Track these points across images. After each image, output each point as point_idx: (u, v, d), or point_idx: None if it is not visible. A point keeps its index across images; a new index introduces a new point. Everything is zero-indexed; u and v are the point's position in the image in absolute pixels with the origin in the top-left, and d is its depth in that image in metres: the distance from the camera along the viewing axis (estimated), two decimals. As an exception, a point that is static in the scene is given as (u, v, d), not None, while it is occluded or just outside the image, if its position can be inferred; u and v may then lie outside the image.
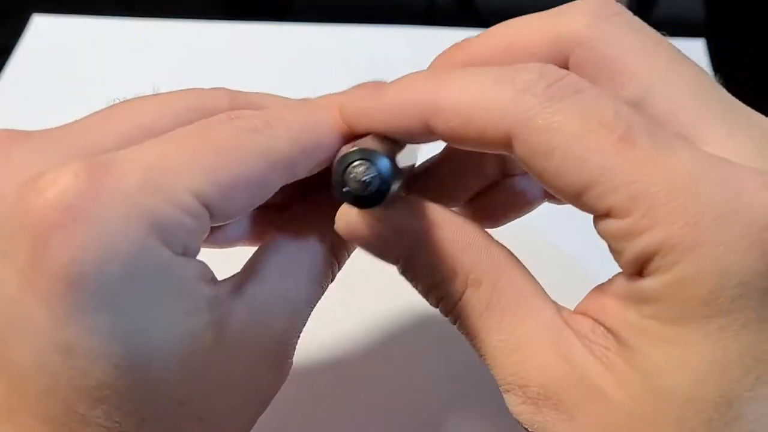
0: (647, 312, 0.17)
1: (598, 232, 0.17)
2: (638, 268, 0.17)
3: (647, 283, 0.16)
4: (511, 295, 0.19)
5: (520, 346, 0.18)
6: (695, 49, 0.41)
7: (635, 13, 0.20)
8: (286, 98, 0.23)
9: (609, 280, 0.18)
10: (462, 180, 0.20)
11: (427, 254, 0.19)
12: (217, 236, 0.23)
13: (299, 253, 0.21)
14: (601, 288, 0.18)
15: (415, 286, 0.20)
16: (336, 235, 0.20)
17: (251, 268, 0.20)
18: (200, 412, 0.18)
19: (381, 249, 0.20)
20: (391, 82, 0.20)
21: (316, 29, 0.43)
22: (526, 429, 0.18)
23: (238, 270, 0.20)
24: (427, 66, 0.21)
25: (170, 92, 0.20)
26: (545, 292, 0.19)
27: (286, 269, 0.21)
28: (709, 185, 0.16)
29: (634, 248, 0.16)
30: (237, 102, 0.21)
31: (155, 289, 0.17)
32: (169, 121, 0.19)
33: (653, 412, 0.16)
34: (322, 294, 0.21)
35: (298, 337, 0.21)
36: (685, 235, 0.16)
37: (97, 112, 0.19)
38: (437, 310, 0.20)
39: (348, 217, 0.19)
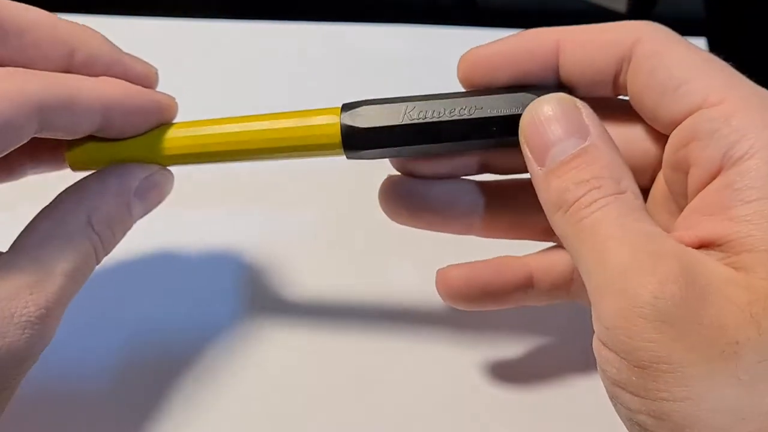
0: (752, 192, 0.18)
1: (681, 138, 0.20)
2: (721, 159, 0.19)
3: (752, 163, 0.18)
4: (648, 218, 0.20)
5: (662, 239, 0.19)
6: (696, 48, 0.41)
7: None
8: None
9: (679, 234, 0.20)
10: None
11: (607, 155, 0.20)
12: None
13: (51, 227, 0.23)
14: (677, 236, 0.20)
15: (570, 173, 0.20)
16: (96, 210, 0.23)
17: (11, 245, 0.22)
18: None
19: (566, 130, 0.21)
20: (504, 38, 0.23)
21: (316, 28, 0.43)
22: (633, 314, 0.18)
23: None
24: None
25: None
26: None
27: (37, 242, 0.22)
28: None
29: (727, 129, 0.19)
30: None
31: None
32: None
33: None
34: (86, 269, 0.23)
35: (60, 304, 0.22)
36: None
37: None
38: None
39: (551, 95, 0.21)
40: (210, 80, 0.40)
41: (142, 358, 0.29)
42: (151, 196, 0.25)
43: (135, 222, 0.25)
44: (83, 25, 0.24)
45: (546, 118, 0.21)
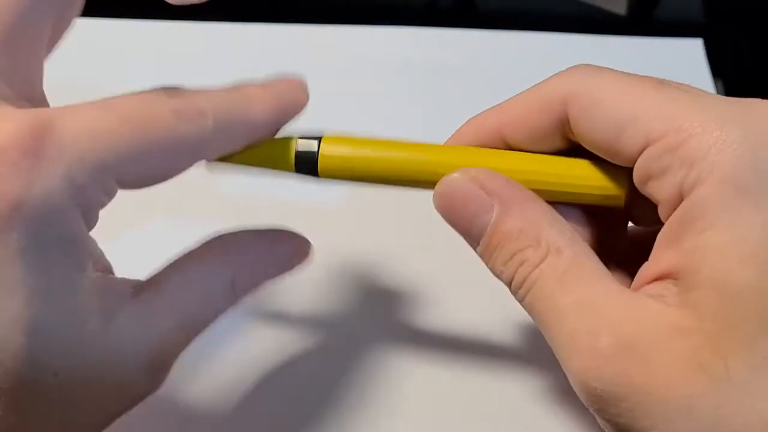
0: (701, 223, 0.18)
1: (640, 177, 0.20)
2: (679, 191, 0.19)
3: (701, 191, 0.18)
4: (587, 264, 0.20)
5: (595, 305, 0.19)
6: (694, 48, 0.41)
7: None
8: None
9: (645, 267, 0.20)
10: None
11: (518, 220, 0.21)
12: None
13: (200, 278, 0.22)
14: (643, 269, 0.20)
15: (494, 253, 0.21)
16: (241, 273, 0.22)
17: (153, 278, 0.22)
18: (72, 397, 0.19)
19: (474, 210, 0.21)
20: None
21: (316, 30, 0.43)
22: (589, 393, 0.19)
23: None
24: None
25: None
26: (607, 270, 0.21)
27: (183, 288, 0.22)
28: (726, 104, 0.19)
29: (677, 163, 0.19)
30: None
31: (62, 259, 0.18)
32: None
33: (732, 318, 0.17)
34: (214, 320, 0.22)
35: (180, 352, 0.22)
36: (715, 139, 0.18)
37: None
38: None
39: (449, 177, 0.21)
40: (210, 81, 0.40)
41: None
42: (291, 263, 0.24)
43: None
44: None
45: (457, 194, 0.21)
